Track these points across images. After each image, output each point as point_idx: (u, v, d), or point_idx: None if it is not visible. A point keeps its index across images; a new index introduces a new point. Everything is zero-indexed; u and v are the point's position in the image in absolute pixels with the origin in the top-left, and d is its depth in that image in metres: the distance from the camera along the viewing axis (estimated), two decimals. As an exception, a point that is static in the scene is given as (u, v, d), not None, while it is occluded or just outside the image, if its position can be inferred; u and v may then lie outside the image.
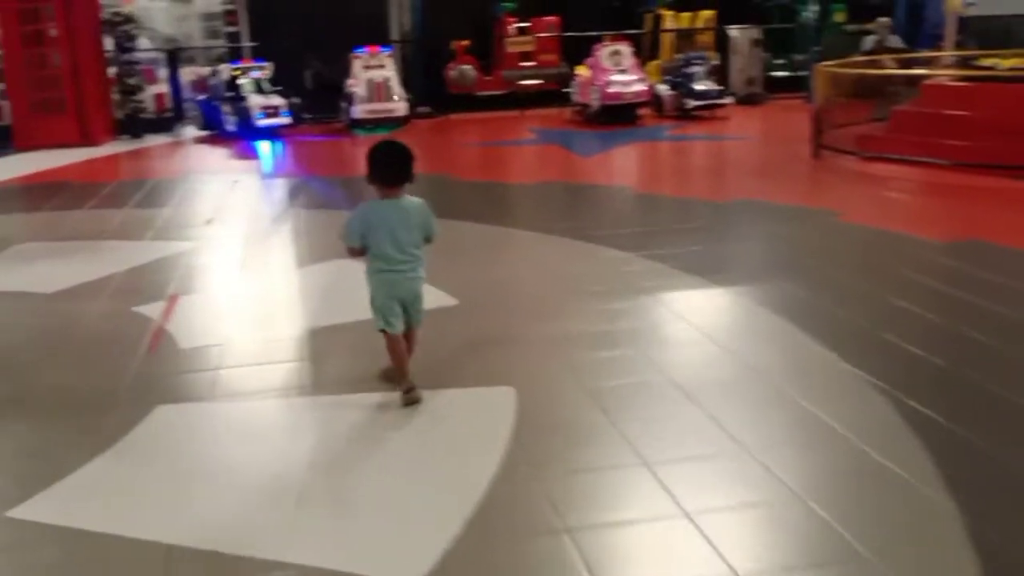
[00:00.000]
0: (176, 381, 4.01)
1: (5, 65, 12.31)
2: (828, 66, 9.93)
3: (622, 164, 10.39)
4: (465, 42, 15.15)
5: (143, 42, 17.94)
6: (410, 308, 3.68)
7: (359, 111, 12.84)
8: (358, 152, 11.96)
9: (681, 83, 13.01)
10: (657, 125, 12.56)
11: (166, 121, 13.82)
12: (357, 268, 3.86)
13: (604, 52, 12.61)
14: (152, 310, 4.97)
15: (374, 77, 12.85)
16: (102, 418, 3.58)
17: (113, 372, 4.09)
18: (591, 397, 3.62)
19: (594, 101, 12.53)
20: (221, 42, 18.40)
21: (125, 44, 13.01)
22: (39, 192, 9.13)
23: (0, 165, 10.82)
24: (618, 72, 12.47)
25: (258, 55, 14.31)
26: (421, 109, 14.25)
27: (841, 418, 3.32)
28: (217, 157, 11.45)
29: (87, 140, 12.22)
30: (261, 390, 3.90)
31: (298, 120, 12.96)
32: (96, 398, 3.83)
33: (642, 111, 12.90)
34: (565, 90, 14.18)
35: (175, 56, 14.44)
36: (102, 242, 6.69)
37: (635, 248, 5.87)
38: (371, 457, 3.23)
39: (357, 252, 3.64)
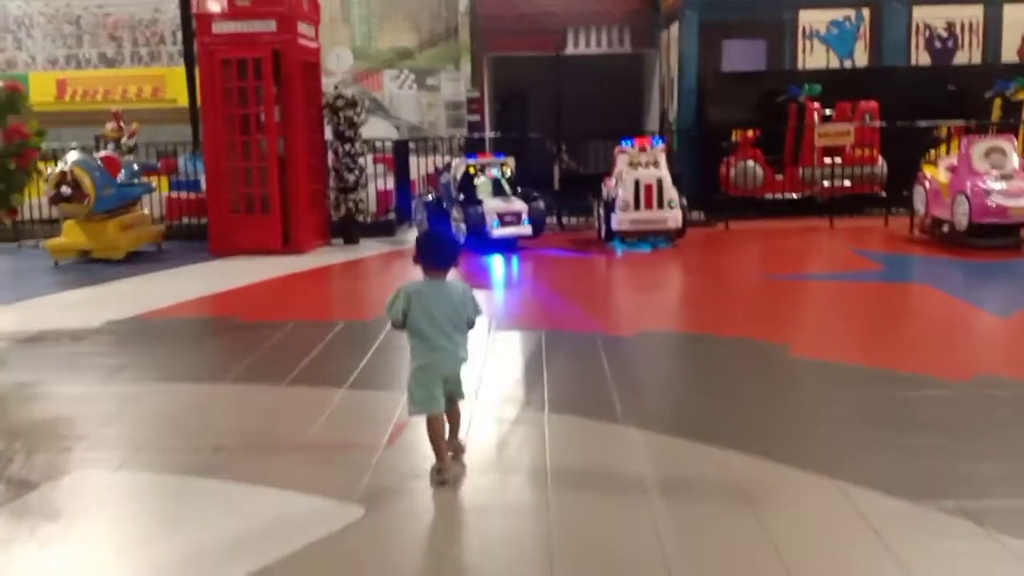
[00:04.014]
0: None
1: (204, 155, 9.98)
2: None
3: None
4: (752, 132, 11.56)
5: (390, 130, 15.71)
6: (451, 381, 3.50)
7: (620, 220, 9.43)
8: (623, 281, 8.52)
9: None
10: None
11: (388, 224, 11.13)
12: None
13: (977, 150, 8.50)
14: None
15: (642, 177, 9.41)
16: None
17: None
18: None
19: (959, 216, 8.41)
20: (460, 132, 15.85)
21: (346, 133, 10.37)
22: (187, 335, 6.25)
23: (171, 281, 8.27)
24: (999, 178, 8.32)
25: (499, 148, 11.48)
26: (692, 215, 10.71)
27: None
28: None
29: (291, 247, 9.61)
30: None
31: (540, 228, 9.78)
32: None
33: (1025, 232, 8.66)
34: (883, 194, 10.66)
35: (403, 148, 11.78)
36: (203, 483, 3.53)
37: None
38: None
39: (399, 325, 3.47)
